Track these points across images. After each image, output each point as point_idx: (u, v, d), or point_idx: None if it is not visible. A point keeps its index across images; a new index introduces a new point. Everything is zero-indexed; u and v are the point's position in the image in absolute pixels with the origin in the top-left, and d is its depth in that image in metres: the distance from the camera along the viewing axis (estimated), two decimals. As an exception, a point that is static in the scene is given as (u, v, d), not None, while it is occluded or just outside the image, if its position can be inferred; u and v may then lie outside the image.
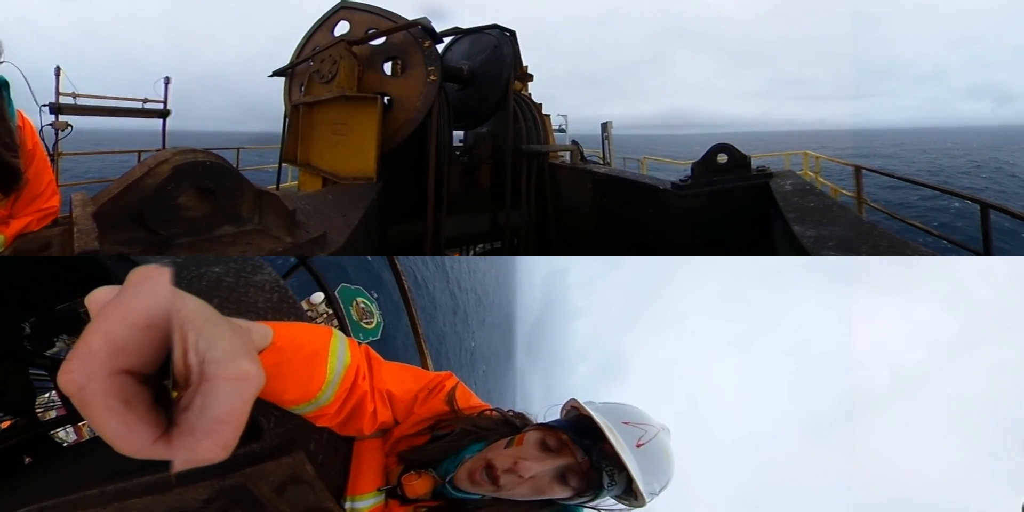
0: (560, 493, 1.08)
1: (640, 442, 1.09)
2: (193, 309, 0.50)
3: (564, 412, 1.22)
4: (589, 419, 1.10)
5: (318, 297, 6.73)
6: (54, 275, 2.34)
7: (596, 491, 1.08)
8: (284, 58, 5.44)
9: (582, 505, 1.13)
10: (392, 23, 4.65)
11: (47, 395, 3.46)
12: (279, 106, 5.46)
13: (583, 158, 6.39)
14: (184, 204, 1.98)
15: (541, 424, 1.18)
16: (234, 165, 2.20)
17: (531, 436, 1.12)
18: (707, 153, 4.09)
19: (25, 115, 1.71)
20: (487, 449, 1.14)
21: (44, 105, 6.96)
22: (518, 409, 1.30)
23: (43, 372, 2.87)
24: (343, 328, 3.37)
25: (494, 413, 1.25)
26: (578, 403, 1.17)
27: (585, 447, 1.07)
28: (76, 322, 2.76)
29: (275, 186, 5.85)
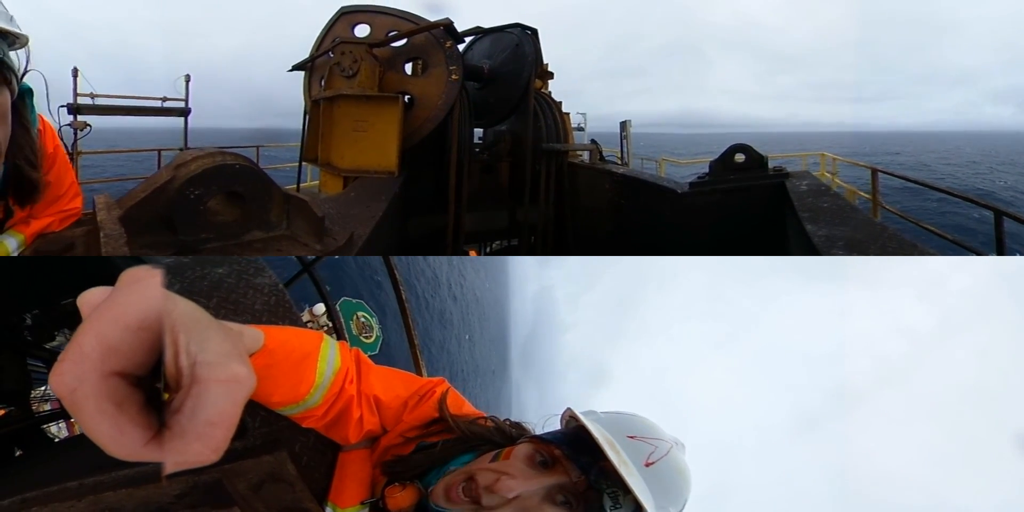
0: None
1: (649, 460, 0.98)
2: (185, 311, 0.50)
3: (564, 423, 1.11)
4: (588, 432, 0.98)
5: (320, 308, 6.79)
6: (72, 274, 2.34)
7: None
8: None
9: None
10: (413, 24, 4.64)
11: (43, 388, 3.49)
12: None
13: (602, 157, 6.35)
14: (213, 208, 1.95)
15: (534, 437, 1.08)
16: (259, 167, 2.16)
17: (521, 449, 1.02)
18: (725, 152, 4.17)
19: (45, 118, 1.68)
20: (471, 462, 1.06)
21: (62, 106, 7.03)
22: (514, 419, 1.21)
23: (41, 364, 2.89)
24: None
25: (488, 422, 1.17)
26: (575, 413, 1.05)
27: (582, 465, 0.96)
28: (79, 317, 2.75)
29: (295, 187, 5.85)
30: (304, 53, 5.33)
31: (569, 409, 1.08)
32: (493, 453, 1.05)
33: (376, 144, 4.45)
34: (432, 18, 4.70)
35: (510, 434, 1.14)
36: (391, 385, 1.17)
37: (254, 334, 0.87)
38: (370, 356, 1.19)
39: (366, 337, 8.09)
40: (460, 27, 5.39)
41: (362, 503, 1.09)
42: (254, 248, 2.00)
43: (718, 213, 4.11)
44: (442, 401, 1.17)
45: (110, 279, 0.51)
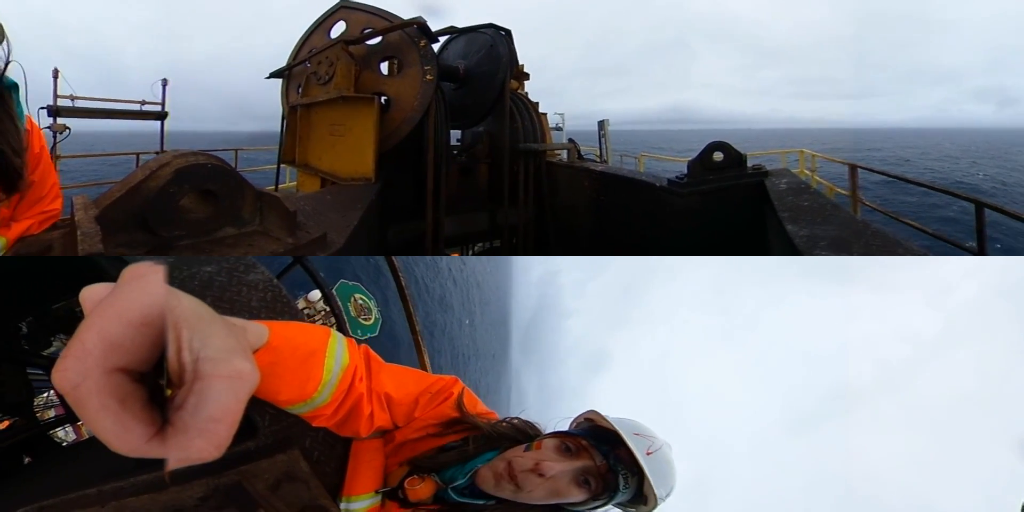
0: (577, 495, 1.13)
1: (650, 450, 1.16)
2: (188, 307, 0.50)
3: (575, 424, 1.29)
4: (604, 429, 1.19)
5: (316, 294, 6.72)
6: (53, 276, 2.36)
7: (611, 494, 1.14)
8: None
9: (592, 510, 1.18)
10: (388, 23, 4.64)
11: (45, 395, 3.45)
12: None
13: (580, 156, 6.41)
14: (186, 206, 2.00)
15: (558, 432, 1.24)
16: (233, 167, 2.21)
17: (549, 441, 1.18)
18: (703, 151, 4.09)
19: (34, 120, 1.71)
20: (507, 452, 1.19)
21: (42, 108, 6.95)
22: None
23: (41, 371, 2.89)
24: (340, 325, 3.37)
25: (505, 424, 1.29)
26: (596, 414, 1.25)
27: (603, 452, 1.15)
28: (73, 321, 2.77)
29: (274, 187, 5.86)
30: (284, 57, 5.36)
31: (592, 411, 1.27)
32: (524, 445, 1.19)
33: (353, 148, 4.42)
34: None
35: (528, 433, 1.27)
36: (402, 382, 1.22)
37: (258, 330, 0.87)
38: (371, 338, 1.23)
39: (365, 319, 7.86)
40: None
41: (375, 491, 1.16)
42: (226, 244, 2.05)
43: (698, 214, 4.06)
44: (460, 402, 1.26)
45: (98, 280, 0.51)
